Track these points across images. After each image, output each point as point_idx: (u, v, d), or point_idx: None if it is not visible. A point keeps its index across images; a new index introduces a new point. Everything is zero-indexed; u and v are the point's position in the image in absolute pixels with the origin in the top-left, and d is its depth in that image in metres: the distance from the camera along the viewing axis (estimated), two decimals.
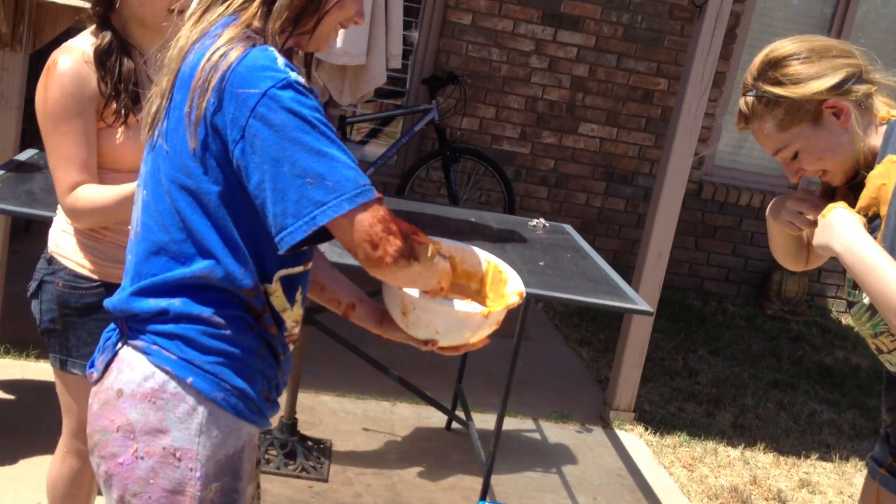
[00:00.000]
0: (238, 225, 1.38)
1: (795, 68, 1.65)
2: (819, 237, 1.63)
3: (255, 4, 1.38)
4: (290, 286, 1.47)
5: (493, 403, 3.73)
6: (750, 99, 1.70)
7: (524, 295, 1.57)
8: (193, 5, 1.44)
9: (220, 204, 1.36)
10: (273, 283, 1.44)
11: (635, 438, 3.94)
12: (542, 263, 3.10)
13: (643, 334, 3.95)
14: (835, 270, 6.38)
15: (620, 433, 3.95)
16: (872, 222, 1.62)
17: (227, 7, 1.39)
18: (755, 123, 1.71)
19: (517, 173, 5.91)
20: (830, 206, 1.66)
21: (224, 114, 1.32)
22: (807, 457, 4.04)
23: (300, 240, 1.31)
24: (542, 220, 3.65)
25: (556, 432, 3.87)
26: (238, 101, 1.30)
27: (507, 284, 1.60)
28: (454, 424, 3.65)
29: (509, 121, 5.85)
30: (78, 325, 2.03)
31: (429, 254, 1.40)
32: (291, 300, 1.48)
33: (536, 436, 3.83)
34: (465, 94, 5.60)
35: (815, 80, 1.64)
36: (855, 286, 1.74)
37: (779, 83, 1.65)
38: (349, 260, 1.79)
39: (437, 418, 3.73)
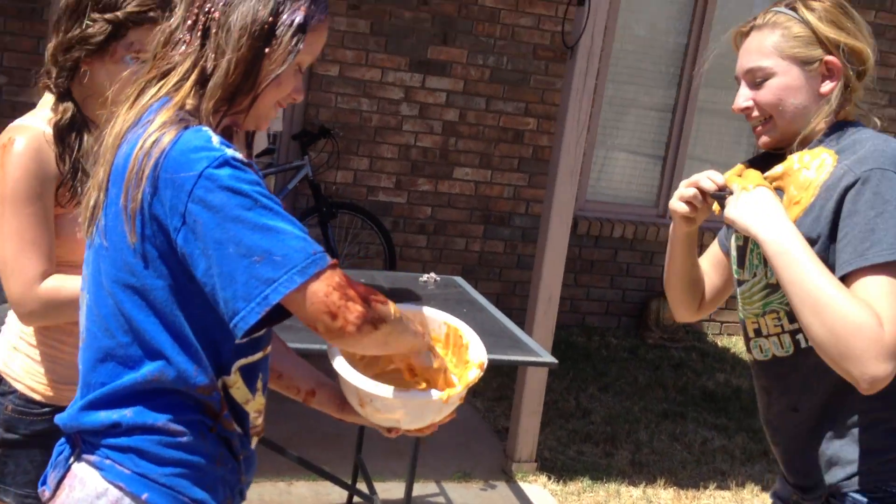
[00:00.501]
0: (189, 318, 1.31)
1: (840, 14, 1.62)
2: (738, 212, 1.56)
3: (188, 85, 1.33)
4: (250, 375, 1.40)
5: (395, 470, 3.61)
6: (776, 11, 1.64)
7: (485, 366, 1.51)
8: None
9: (168, 298, 1.30)
10: (232, 374, 1.37)
11: (539, 489, 3.89)
12: None
13: (540, 382, 3.92)
14: None
15: (524, 485, 3.90)
16: None
17: (160, 89, 1.34)
18: (761, 32, 1.64)
19: (395, 223, 5.85)
20: (752, 176, 1.61)
21: (162, 202, 1.26)
22: (705, 487, 4.09)
23: (254, 323, 1.23)
24: (432, 274, 3.59)
25: (461, 493, 3.78)
26: (174, 186, 1.24)
27: (468, 350, 1.53)
28: (356, 498, 3.49)
29: (384, 171, 5.79)
30: (20, 453, 1.82)
31: (393, 312, 1.32)
32: (253, 389, 1.41)
33: (441, 500, 3.72)
34: (338, 146, 5.51)
35: (845, 33, 1.61)
36: (742, 263, 1.73)
37: (817, 14, 1.61)
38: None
39: (337, 494, 3.57)
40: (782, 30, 1.61)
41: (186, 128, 1.28)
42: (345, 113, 5.61)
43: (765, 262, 1.66)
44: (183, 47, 1.35)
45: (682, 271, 1.85)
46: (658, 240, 6.37)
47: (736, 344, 6.46)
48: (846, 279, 1.49)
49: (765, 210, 1.54)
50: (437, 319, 1.58)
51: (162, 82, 1.34)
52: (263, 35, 1.33)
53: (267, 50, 1.34)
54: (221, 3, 1.34)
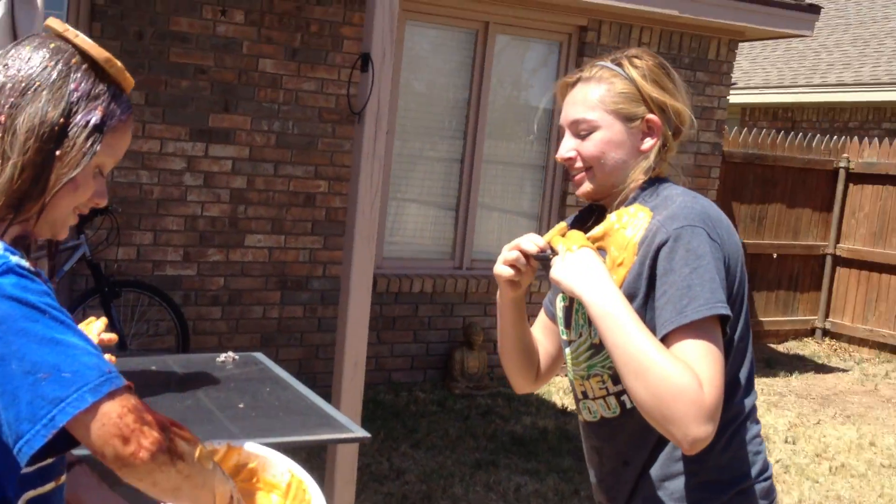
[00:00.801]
0: None
1: (662, 74, 1.66)
2: (563, 273, 1.57)
3: None
4: None
5: None
6: (602, 66, 1.67)
7: None
8: None
9: None
10: None
11: None
12: (242, 405, 2.88)
13: (352, 452, 3.84)
14: None
15: None
16: None
17: None
18: (587, 85, 1.66)
19: (186, 297, 5.61)
20: (575, 237, 1.62)
21: None
22: None
23: (40, 447, 1.11)
24: (230, 353, 3.43)
25: None
26: None
27: None
28: None
29: (170, 244, 5.55)
30: None
31: (196, 454, 1.20)
32: None
33: None
34: (117, 222, 5.22)
35: (666, 93, 1.66)
36: (568, 324, 1.73)
37: (641, 72, 1.65)
38: None
39: None
40: (608, 84, 1.65)
41: None
42: (123, 187, 5.35)
43: (589, 322, 1.67)
44: None
45: (515, 338, 1.83)
46: (457, 291, 6.47)
47: None
48: (668, 338, 1.50)
49: (588, 271, 1.55)
50: (280, 465, 1.47)
51: None
52: (53, 137, 1.24)
53: (58, 153, 1.24)
54: (7, 105, 1.24)
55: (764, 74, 14.36)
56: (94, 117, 1.27)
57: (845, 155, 9.11)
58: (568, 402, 6.22)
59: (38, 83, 1.26)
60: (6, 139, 1.24)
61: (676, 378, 1.43)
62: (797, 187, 8.97)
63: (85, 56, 1.30)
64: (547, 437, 5.44)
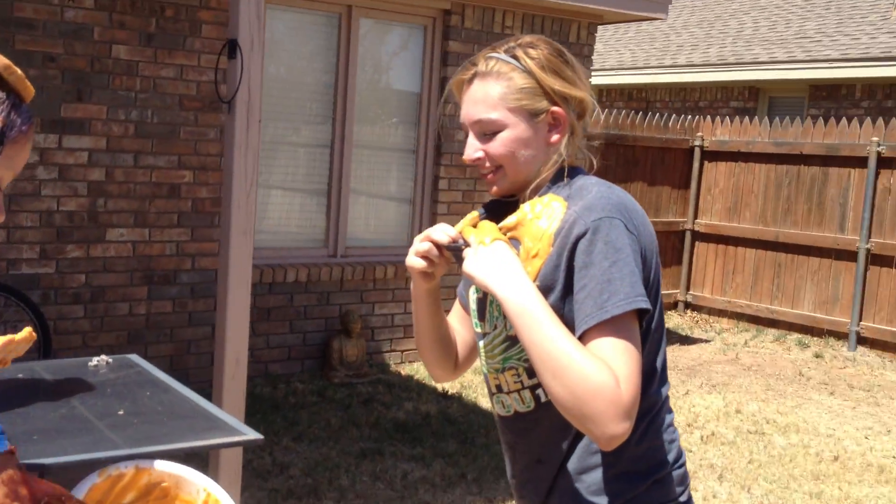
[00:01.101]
0: None
1: (560, 63, 1.61)
2: (476, 267, 1.53)
3: None
4: None
5: None
6: (497, 59, 1.60)
7: None
8: None
9: None
10: None
11: None
12: (121, 412, 2.73)
13: (235, 452, 3.71)
14: (385, 326, 6.69)
15: None
16: None
17: None
18: (485, 82, 1.60)
19: (45, 296, 5.30)
20: (488, 228, 1.58)
21: None
22: None
23: None
24: (103, 357, 3.25)
25: None
26: None
27: None
28: None
29: (25, 241, 5.23)
30: None
31: None
32: None
33: None
34: None
35: (568, 84, 1.61)
36: (482, 316, 1.70)
37: (539, 63, 1.59)
38: None
39: None
40: (507, 81, 1.59)
41: None
42: None
43: (504, 314, 1.63)
44: None
45: (431, 329, 1.79)
46: (332, 279, 6.38)
47: (418, 370, 6.62)
48: (587, 333, 1.48)
49: (502, 266, 1.51)
50: (196, 484, 1.37)
51: None
52: None
53: None
54: None
55: (618, 56, 14.78)
56: None
57: (700, 134, 9.48)
58: (449, 387, 6.24)
59: None
60: None
61: (594, 377, 1.41)
62: (656, 166, 9.28)
63: None
64: (430, 423, 5.44)
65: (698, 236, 9.49)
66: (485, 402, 5.97)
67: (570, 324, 1.51)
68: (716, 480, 4.77)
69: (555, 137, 1.62)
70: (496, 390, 1.72)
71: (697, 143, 9.44)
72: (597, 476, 1.63)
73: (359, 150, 6.68)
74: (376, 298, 6.68)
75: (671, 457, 1.68)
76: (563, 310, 1.54)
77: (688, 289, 9.56)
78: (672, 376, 7.02)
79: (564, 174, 1.63)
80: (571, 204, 1.57)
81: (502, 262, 1.52)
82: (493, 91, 1.60)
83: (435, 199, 6.96)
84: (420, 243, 1.63)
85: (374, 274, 6.60)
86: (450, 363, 1.86)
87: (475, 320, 1.74)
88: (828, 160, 8.47)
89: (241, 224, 3.72)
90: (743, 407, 6.20)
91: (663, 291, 9.40)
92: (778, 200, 8.85)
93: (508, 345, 1.65)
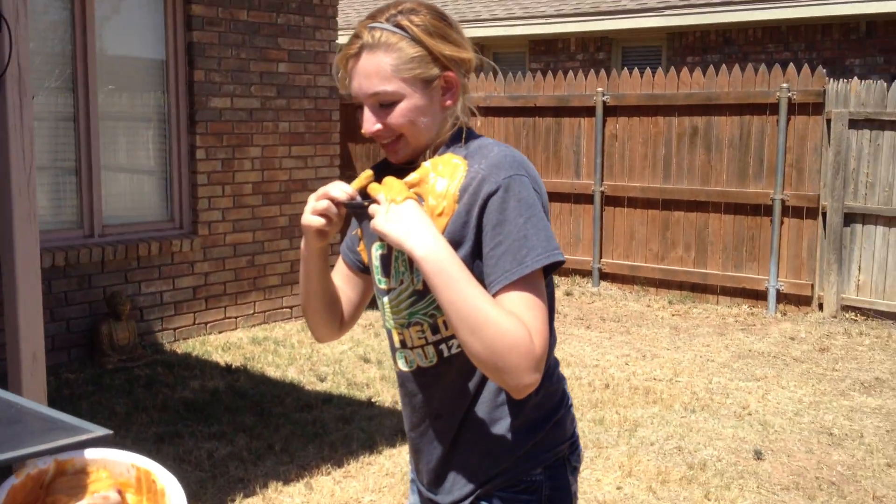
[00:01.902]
0: None
1: (445, 27, 1.62)
2: (390, 226, 1.53)
3: None
4: None
5: None
6: (382, 30, 1.59)
7: None
8: None
9: None
10: None
11: None
12: None
13: None
14: (154, 305, 6.42)
15: None
16: None
17: None
18: (373, 55, 1.60)
19: None
20: (396, 186, 1.57)
21: None
22: (232, 500, 4.05)
23: None
24: None
25: None
26: None
27: (165, 496, 1.26)
28: None
29: None
30: None
31: None
32: None
33: None
34: None
35: (456, 47, 1.63)
36: (388, 272, 1.71)
37: (426, 30, 1.60)
38: None
39: None
40: (397, 52, 1.60)
41: None
42: None
43: (411, 268, 1.67)
44: None
45: (321, 290, 1.78)
46: (92, 261, 6.01)
47: (195, 347, 6.43)
48: (504, 287, 1.53)
49: (416, 224, 1.52)
50: (123, 462, 1.30)
51: None
52: None
53: None
54: None
55: (356, 15, 14.83)
56: None
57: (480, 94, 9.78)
58: (232, 359, 6.13)
59: None
60: None
61: (510, 333, 1.47)
62: None
63: None
64: (221, 399, 5.33)
65: None
66: (272, 373, 5.93)
67: (477, 278, 1.56)
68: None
69: (449, 101, 1.66)
70: (400, 346, 1.74)
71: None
72: (503, 426, 1.70)
73: (106, 123, 6.30)
74: (142, 277, 6.39)
75: (561, 399, 1.79)
76: (472, 266, 1.58)
77: None
78: None
79: (462, 136, 1.67)
80: (473, 162, 1.61)
81: (416, 220, 1.53)
82: (384, 63, 1.60)
83: (193, 169, 6.73)
84: (317, 201, 1.62)
85: (136, 252, 6.30)
86: (336, 322, 1.87)
87: (378, 276, 1.74)
88: (559, 111, 9.09)
89: (24, 210, 3.44)
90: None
91: None
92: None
93: (415, 300, 1.68)
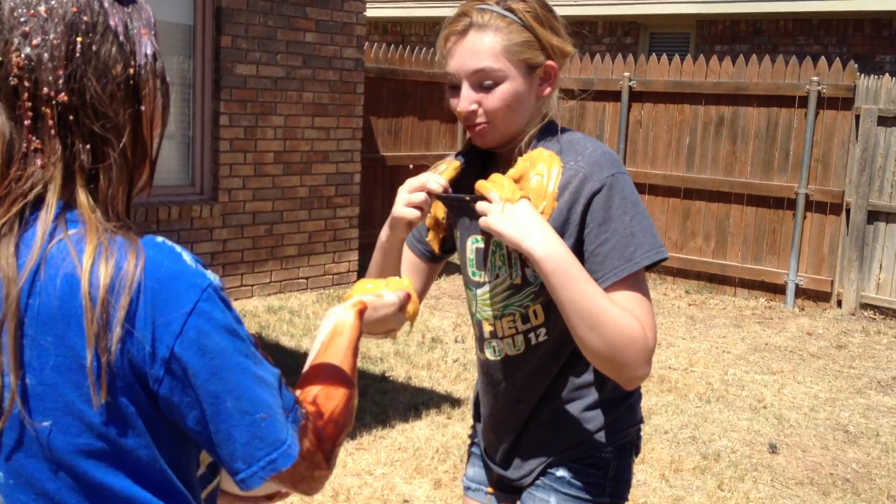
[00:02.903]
0: (175, 468, 1.06)
1: (552, 17, 1.61)
2: (506, 225, 1.51)
3: (81, 191, 1.02)
4: (212, 502, 1.20)
5: None
6: (492, 11, 1.57)
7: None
8: None
9: (151, 455, 1.03)
10: None
11: None
12: None
13: None
14: None
15: None
16: None
17: (39, 216, 1.00)
18: (483, 34, 1.57)
19: None
20: (507, 184, 1.55)
21: (138, 346, 0.99)
22: None
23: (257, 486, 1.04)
24: None
25: None
26: (156, 327, 0.98)
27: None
28: None
29: None
30: None
31: (344, 423, 1.17)
32: None
33: None
34: None
35: (561, 38, 1.61)
36: (483, 265, 1.71)
37: (535, 17, 1.58)
38: None
39: None
40: (507, 33, 1.57)
41: (131, 245, 1.00)
42: None
43: (509, 262, 1.66)
44: (39, 158, 1.00)
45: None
46: None
47: None
48: (614, 284, 1.54)
49: (533, 225, 1.51)
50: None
51: (19, 207, 1.01)
52: (131, 92, 1.06)
53: (142, 107, 1.07)
54: (61, 81, 1.00)
55: None
56: (148, 47, 1.09)
57: None
58: (246, 326, 6.11)
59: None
60: (83, 118, 1.02)
61: (628, 328, 1.50)
62: (426, 101, 9.44)
63: None
64: None
65: None
66: (287, 342, 5.93)
67: None
68: None
69: (547, 90, 1.63)
70: (490, 336, 1.75)
71: None
72: (580, 406, 1.73)
73: None
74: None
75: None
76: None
77: None
78: (458, 305, 7.31)
79: (556, 129, 1.65)
80: (568, 159, 1.60)
81: (533, 220, 1.52)
82: (494, 43, 1.57)
83: (216, 135, 6.71)
84: (413, 194, 1.60)
85: (157, 215, 6.29)
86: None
87: (472, 269, 1.75)
88: (584, 94, 9.01)
89: None
90: None
91: None
92: None
93: (512, 293, 1.69)
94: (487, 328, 1.75)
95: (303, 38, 7.15)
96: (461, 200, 1.60)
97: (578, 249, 1.59)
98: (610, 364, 1.53)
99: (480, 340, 1.80)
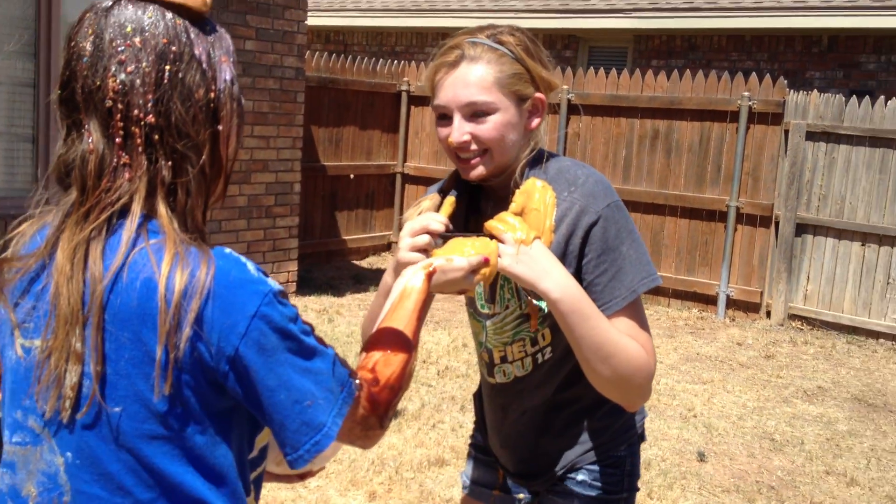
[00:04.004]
0: (227, 455, 1.19)
1: (539, 51, 1.67)
2: (523, 267, 1.56)
3: (161, 205, 1.15)
4: (258, 485, 1.31)
5: None
6: (483, 44, 1.61)
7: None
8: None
9: (209, 441, 1.17)
10: (251, 492, 1.28)
11: None
12: None
13: None
14: None
15: None
16: None
17: (126, 224, 1.14)
18: (474, 66, 1.60)
19: None
20: (519, 223, 1.59)
21: (206, 345, 1.12)
22: None
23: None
24: None
25: None
26: (223, 329, 1.12)
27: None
28: None
29: None
30: None
31: (399, 385, 1.29)
32: (257, 499, 1.33)
33: None
34: None
35: (549, 72, 1.67)
36: (493, 299, 1.76)
37: (525, 50, 1.63)
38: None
39: None
40: (499, 66, 1.61)
41: (206, 255, 1.14)
42: None
43: (517, 294, 1.72)
44: (127, 172, 1.14)
45: None
46: None
47: None
48: (616, 313, 1.61)
49: (548, 266, 1.56)
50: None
51: (107, 215, 1.14)
52: (210, 114, 1.20)
53: (220, 127, 1.21)
54: (150, 104, 1.15)
55: None
56: (227, 73, 1.23)
57: (406, 79, 9.79)
58: None
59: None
60: (168, 138, 1.16)
61: (635, 357, 1.58)
62: (367, 110, 9.48)
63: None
64: None
65: (408, 179, 9.86)
66: None
67: None
68: (459, 412, 5.12)
69: (535, 122, 1.67)
70: (500, 361, 1.81)
71: (404, 87, 9.74)
72: (592, 412, 1.81)
73: None
74: None
75: None
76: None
77: (400, 230, 9.92)
78: None
79: (543, 157, 1.69)
80: (560, 189, 1.64)
81: (547, 261, 1.57)
82: (486, 74, 1.60)
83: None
84: (416, 238, 1.59)
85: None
86: None
87: (481, 302, 1.80)
88: None
89: None
90: (469, 341, 6.65)
91: (378, 233, 9.72)
92: None
93: (521, 321, 1.75)
94: (498, 354, 1.82)
95: (243, 46, 7.13)
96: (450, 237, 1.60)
97: (577, 278, 1.63)
98: (618, 391, 1.62)
99: (490, 366, 1.85)
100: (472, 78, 1.60)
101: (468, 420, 4.96)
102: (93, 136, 1.14)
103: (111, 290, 1.12)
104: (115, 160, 1.15)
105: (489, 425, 1.95)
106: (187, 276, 1.11)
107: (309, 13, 14.03)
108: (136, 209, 1.14)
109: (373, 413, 1.23)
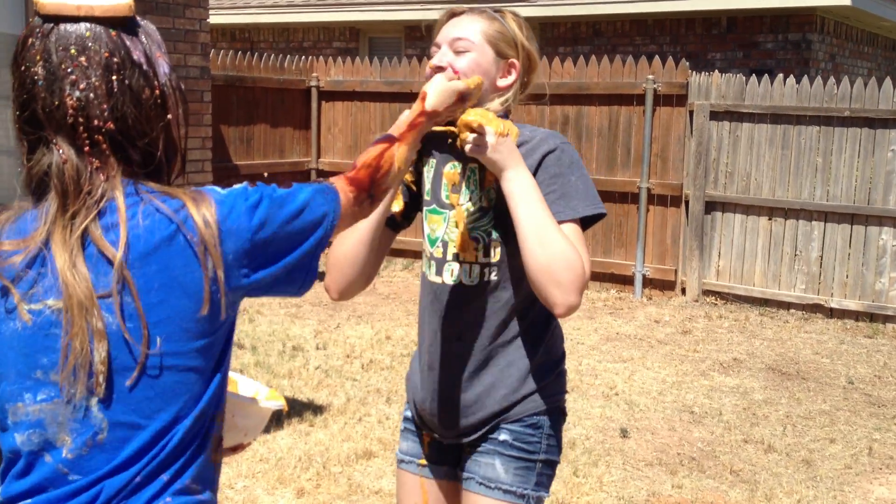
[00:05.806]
0: (217, 387, 1.34)
1: (531, 33, 1.95)
2: (500, 156, 1.77)
3: (141, 182, 1.31)
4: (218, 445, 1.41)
5: None
6: (485, 10, 1.90)
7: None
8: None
9: (225, 339, 1.33)
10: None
11: None
12: None
13: None
14: None
15: None
16: None
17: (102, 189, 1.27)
18: (474, 16, 1.89)
19: None
20: (494, 118, 1.79)
21: (228, 253, 1.28)
22: None
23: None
24: None
25: None
26: (234, 236, 1.28)
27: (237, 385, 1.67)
28: None
29: None
30: None
31: (396, 168, 1.54)
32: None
33: None
34: None
35: (534, 49, 1.93)
36: (457, 190, 1.92)
37: (518, 24, 1.92)
38: None
39: None
40: (490, 23, 1.89)
41: (201, 194, 1.30)
42: None
43: (480, 186, 1.90)
44: (101, 173, 1.26)
45: (373, 238, 1.92)
46: None
47: None
48: (560, 223, 1.78)
49: (518, 156, 1.79)
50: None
51: (94, 213, 1.25)
52: (160, 108, 1.32)
53: (169, 116, 1.34)
54: (107, 113, 1.27)
55: None
56: (165, 67, 1.34)
57: (315, 74, 9.71)
58: None
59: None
60: (130, 140, 1.31)
61: (569, 252, 1.72)
62: (277, 107, 9.37)
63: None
64: None
65: (323, 174, 9.78)
66: None
67: None
68: (385, 404, 5.11)
69: (503, 83, 1.90)
70: (452, 258, 1.92)
71: (314, 83, 9.67)
72: (516, 366, 1.90)
73: None
74: None
75: (563, 354, 2.00)
76: None
77: None
78: (318, 311, 7.29)
79: (509, 118, 1.92)
80: (524, 129, 1.88)
81: (515, 152, 1.80)
82: (476, 23, 1.89)
83: None
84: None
85: None
86: (373, 273, 2.00)
87: (446, 192, 1.94)
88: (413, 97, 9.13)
89: None
90: (392, 333, 6.64)
91: None
92: None
93: (479, 216, 1.90)
94: (452, 250, 1.92)
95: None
96: (451, 133, 1.82)
97: None
98: (547, 281, 1.71)
99: (441, 263, 1.93)
100: (465, 23, 1.90)
101: (395, 412, 4.96)
102: (62, 149, 1.25)
103: (128, 241, 1.23)
104: (89, 166, 1.26)
105: (421, 344, 2.02)
106: (197, 210, 1.26)
107: (212, 11, 13.81)
108: (120, 196, 1.26)
109: (360, 191, 1.45)
